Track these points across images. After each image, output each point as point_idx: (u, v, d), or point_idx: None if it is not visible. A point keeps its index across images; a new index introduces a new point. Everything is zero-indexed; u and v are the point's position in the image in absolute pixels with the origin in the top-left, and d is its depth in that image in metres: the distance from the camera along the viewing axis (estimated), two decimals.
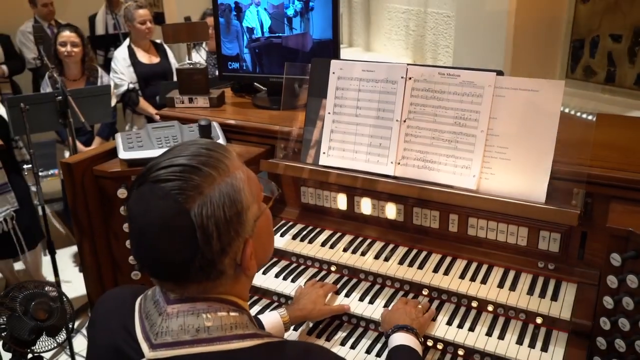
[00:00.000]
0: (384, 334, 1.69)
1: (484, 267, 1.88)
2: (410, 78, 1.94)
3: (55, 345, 2.76)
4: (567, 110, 1.81)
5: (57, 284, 3.33)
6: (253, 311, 1.94)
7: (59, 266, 3.47)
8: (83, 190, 2.07)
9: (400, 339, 1.58)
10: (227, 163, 1.08)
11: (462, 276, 1.84)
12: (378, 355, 1.73)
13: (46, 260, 4.39)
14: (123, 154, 2.07)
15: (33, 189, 4.03)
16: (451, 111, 1.87)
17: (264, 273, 2.02)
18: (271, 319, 1.69)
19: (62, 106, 3.51)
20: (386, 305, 1.83)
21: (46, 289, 2.78)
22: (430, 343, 1.73)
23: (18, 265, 4.30)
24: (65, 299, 2.84)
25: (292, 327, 1.78)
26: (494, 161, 1.81)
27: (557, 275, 1.81)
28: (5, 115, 3.74)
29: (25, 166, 3.99)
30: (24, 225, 3.85)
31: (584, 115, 1.89)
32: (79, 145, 4.40)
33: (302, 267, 2.06)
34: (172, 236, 1.01)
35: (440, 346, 1.72)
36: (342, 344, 1.78)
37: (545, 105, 1.74)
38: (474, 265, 1.89)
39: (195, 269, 1.03)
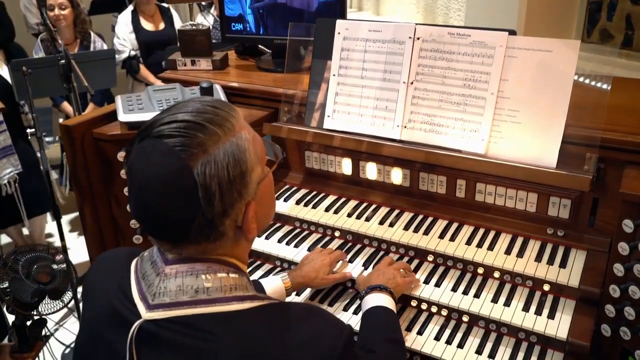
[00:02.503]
0: (358, 296, 1.66)
1: (492, 234, 1.84)
2: (418, 38, 1.86)
3: (59, 307, 2.77)
4: (581, 78, 1.74)
5: (64, 249, 3.34)
6: (255, 276, 1.92)
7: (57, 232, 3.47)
8: (83, 153, 2.04)
9: (373, 300, 1.54)
10: (232, 122, 1.03)
11: (468, 242, 1.80)
12: None
13: (49, 226, 4.41)
14: (123, 117, 2.02)
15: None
16: (460, 73, 1.80)
17: (266, 238, 2.00)
18: (273, 283, 1.66)
19: (66, 70, 3.45)
20: None
21: (49, 252, 2.77)
22: (434, 309, 1.71)
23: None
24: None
25: (294, 293, 1.75)
26: (504, 125, 1.75)
27: (567, 242, 1.76)
28: (9, 79, 3.70)
29: (28, 130, 3.95)
30: (33, 190, 3.83)
31: (599, 80, 1.82)
32: (71, 112, 4.34)
33: (306, 232, 2.03)
34: (173, 194, 0.97)
35: (444, 312, 1.69)
36: (345, 309, 1.75)
37: (559, 66, 1.67)
38: (481, 232, 1.85)
39: (195, 229, 0.99)
